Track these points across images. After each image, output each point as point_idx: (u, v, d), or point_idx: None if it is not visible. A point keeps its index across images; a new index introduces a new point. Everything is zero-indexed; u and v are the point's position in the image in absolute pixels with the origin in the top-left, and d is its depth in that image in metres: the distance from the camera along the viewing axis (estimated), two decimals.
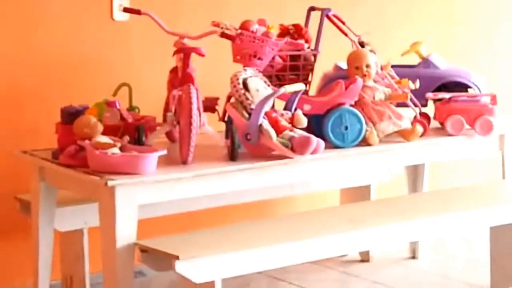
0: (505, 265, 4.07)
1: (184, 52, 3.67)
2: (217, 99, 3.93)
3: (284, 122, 3.58)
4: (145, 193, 3.32)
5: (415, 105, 4.01)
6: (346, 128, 3.73)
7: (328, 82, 4.08)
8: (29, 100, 4.15)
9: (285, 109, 3.67)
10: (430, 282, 4.40)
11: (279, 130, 3.53)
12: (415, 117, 3.98)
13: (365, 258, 4.72)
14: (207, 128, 3.67)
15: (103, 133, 3.44)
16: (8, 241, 4.15)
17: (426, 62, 4.27)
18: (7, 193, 4.03)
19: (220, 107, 3.92)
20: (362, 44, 4.09)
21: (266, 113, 3.53)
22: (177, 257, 3.12)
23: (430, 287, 4.34)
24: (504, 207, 3.87)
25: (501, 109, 4.12)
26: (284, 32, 4.08)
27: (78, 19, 4.22)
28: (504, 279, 4.10)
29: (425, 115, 4.06)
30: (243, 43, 3.78)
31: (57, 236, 3.89)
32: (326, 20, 4.07)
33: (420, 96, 4.04)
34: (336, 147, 3.74)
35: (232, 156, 3.53)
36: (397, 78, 4.04)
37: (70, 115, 3.53)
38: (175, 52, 3.72)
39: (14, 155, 3.77)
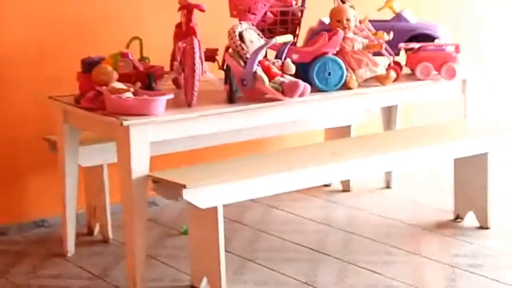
0: (467, 192, 4.09)
1: (187, 9, 3.69)
2: (216, 50, 3.93)
3: (275, 69, 3.59)
4: (155, 132, 3.35)
5: (389, 54, 4.00)
6: (330, 74, 3.75)
7: (313, 35, 4.09)
8: (52, 52, 4.14)
9: (276, 58, 3.68)
10: (402, 208, 4.41)
11: (271, 76, 3.55)
12: (389, 64, 3.98)
13: (346, 188, 4.73)
14: (209, 75, 3.69)
15: (118, 80, 3.47)
16: (39, 176, 4.19)
17: (398, 16, 4.26)
18: (37, 135, 4.05)
19: (219, 57, 3.92)
20: (343, 0, 4.07)
21: (259, 62, 3.54)
22: (184, 186, 3.17)
23: (402, 212, 4.34)
24: (466, 141, 3.91)
25: (463, 57, 4.12)
26: None
27: None
28: (465, 204, 4.13)
29: (397, 63, 4.06)
30: (239, 0, 3.77)
31: (81, 171, 3.92)
32: None
33: (393, 46, 4.03)
34: (321, 91, 3.75)
35: (231, 99, 3.55)
36: (374, 30, 4.04)
37: (89, 65, 3.56)
38: (179, 9, 3.73)
39: (41, 101, 3.79)
